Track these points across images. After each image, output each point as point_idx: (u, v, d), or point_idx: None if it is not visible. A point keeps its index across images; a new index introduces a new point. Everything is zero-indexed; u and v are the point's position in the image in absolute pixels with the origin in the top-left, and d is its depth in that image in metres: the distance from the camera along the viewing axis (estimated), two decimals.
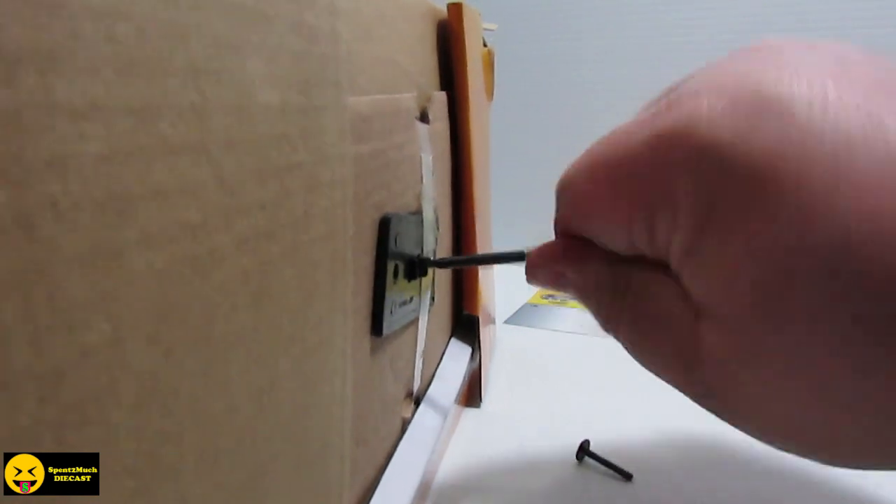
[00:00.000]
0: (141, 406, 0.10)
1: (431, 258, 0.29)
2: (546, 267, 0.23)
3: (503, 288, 0.52)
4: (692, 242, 0.17)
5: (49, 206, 0.08)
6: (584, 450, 0.32)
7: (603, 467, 0.32)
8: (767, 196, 0.15)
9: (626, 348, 0.21)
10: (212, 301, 0.12)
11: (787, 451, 0.18)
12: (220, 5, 0.12)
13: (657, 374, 0.20)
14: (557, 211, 0.22)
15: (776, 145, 0.15)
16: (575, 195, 0.21)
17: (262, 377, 0.14)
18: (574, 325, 0.52)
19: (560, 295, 0.61)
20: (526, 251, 0.25)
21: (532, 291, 0.62)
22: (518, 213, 0.72)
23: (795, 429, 0.17)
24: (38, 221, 0.08)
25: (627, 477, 0.31)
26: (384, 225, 0.23)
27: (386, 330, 0.24)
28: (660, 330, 0.19)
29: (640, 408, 0.38)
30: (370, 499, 0.23)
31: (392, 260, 0.24)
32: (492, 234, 0.48)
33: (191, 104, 0.11)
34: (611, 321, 0.21)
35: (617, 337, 0.21)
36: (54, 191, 0.08)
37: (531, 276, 0.24)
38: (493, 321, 0.49)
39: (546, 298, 0.60)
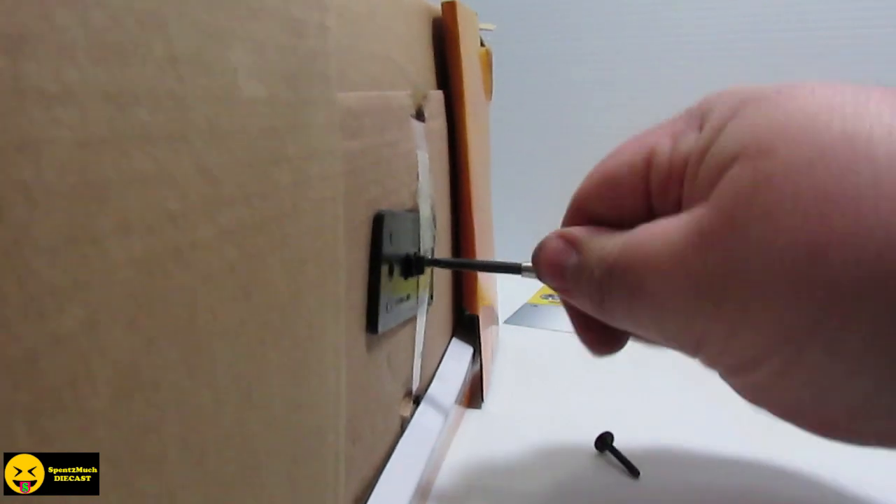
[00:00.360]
0: (120, 395, 0.10)
1: (428, 257, 0.29)
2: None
3: (503, 288, 0.52)
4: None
5: (20, 192, 0.08)
6: (605, 442, 0.32)
7: (607, 467, 0.31)
8: None
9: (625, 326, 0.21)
10: (195, 291, 0.12)
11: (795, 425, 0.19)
12: None
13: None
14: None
15: None
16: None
17: (250, 370, 0.14)
18: None
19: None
20: (523, 264, 0.25)
21: (532, 291, 0.62)
22: (519, 212, 0.72)
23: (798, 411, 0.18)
24: (9, 206, 0.08)
25: (635, 474, 0.31)
26: (378, 221, 0.23)
27: (381, 327, 0.23)
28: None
29: (642, 407, 0.38)
30: (368, 496, 0.23)
31: (387, 257, 0.24)
32: (493, 233, 0.48)
33: (170, 92, 0.11)
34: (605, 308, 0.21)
35: (612, 319, 0.21)
36: (26, 176, 0.08)
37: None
38: (496, 321, 0.49)
39: (546, 298, 0.60)
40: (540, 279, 0.24)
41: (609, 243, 0.21)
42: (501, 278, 0.50)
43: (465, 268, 0.38)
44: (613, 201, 0.23)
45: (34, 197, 0.09)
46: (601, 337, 0.24)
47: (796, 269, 0.16)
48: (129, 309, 0.10)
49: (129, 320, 0.10)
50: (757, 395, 0.19)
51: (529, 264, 0.25)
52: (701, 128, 0.20)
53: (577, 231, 0.22)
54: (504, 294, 0.53)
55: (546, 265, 0.23)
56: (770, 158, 0.17)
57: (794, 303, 0.16)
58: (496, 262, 0.27)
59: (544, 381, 0.42)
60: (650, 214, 0.22)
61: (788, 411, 0.19)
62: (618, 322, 0.21)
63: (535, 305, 0.58)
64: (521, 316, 0.55)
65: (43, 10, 0.09)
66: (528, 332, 0.51)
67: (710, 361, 0.19)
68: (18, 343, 0.08)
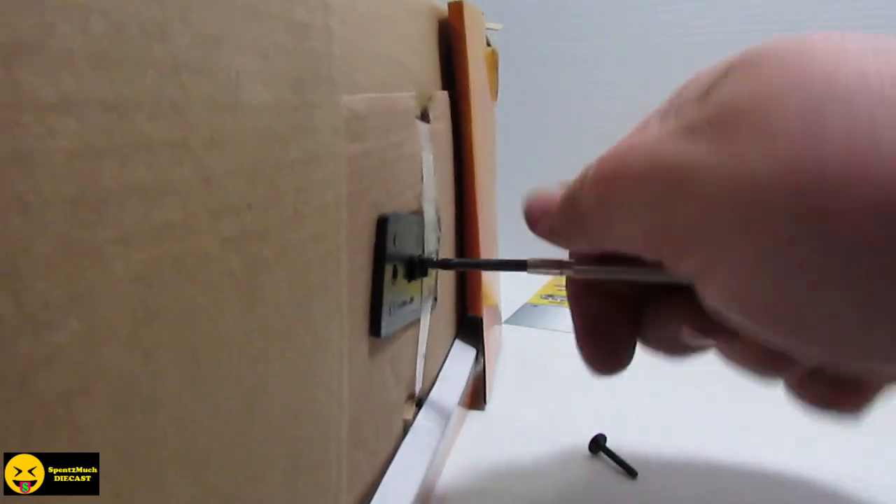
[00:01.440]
0: (118, 409, 0.10)
1: (433, 259, 0.29)
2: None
3: (503, 288, 0.52)
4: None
5: (16, 204, 0.08)
6: (598, 443, 0.32)
7: (607, 468, 0.31)
8: None
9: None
10: (196, 302, 0.12)
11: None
12: (206, 1, 0.12)
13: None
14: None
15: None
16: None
17: (252, 380, 0.14)
18: None
19: (560, 295, 0.61)
20: (528, 261, 0.24)
21: (532, 291, 0.61)
22: (519, 213, 0.72)
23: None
24: (3, 219, 0.08)
25: (633, 474, 0.31)
26: (382, 224, 0.23)
27: (385, 331, 0.23)
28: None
29: (643, 408, 0.38)
30: (370, 501, 0.23)
31: (390, 260, 0.24)
32: (498, 234, 0.47)
33: (171, 100, 0.11)
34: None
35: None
36: (21, 188, 0.08)
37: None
38: (499, 321, 0.48)
39: (546, 298, 0.60)
40: (526, 219, 0.23)
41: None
42: (503, 279, 0.50)
43: (470, 268, 0.38)
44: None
45: (30, 209, 0.08)
46: (603, 353, 0.23)
47: (789, 157, 0.15)
48: (128, 322, 0.10)
49: (128, 333, 0.10)
50: (730, 299, 0.17)
51: (535, 259, 0.24)
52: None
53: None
54: (504, 294, 0.53)
55: (536, 204, 0.23)
56: (760, 75, 0.17)
57: (782, 186, 0.15)
58: (501, 260, 0.27)
59: (546, 381, 0.42)
60: None
61: (767, 315, 0.17)
62: (589, 234, 0.21)
63: (535, 305, 0.58)
64: (521, 316, 0.55)
65: (40, 18, 0.08)
66: (529, 332, 0.51)
67: (675, 259, 0.18)
68: (13, 358, 0.08)
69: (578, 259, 0.24)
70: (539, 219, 0.23)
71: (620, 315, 0.24)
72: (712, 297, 0.18)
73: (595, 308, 0.24)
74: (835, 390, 0.20)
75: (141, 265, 0.10)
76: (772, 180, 0.15)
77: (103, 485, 0.10)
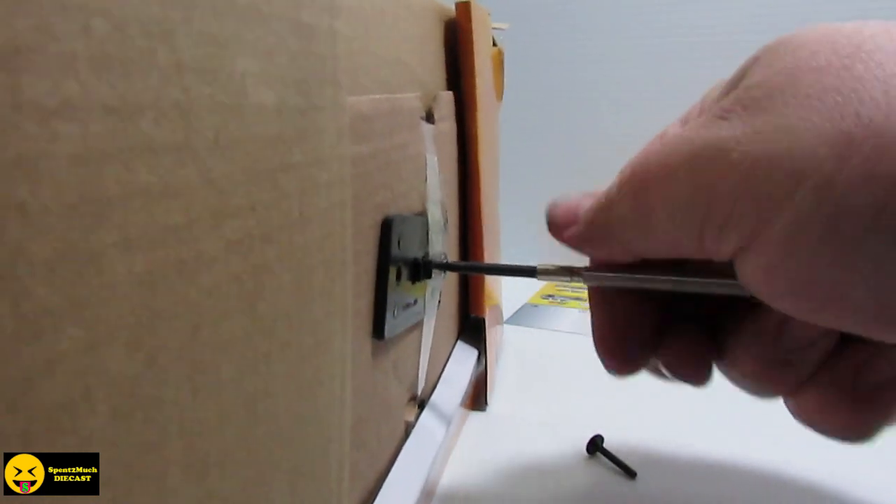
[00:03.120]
0: (120, 414, 0.10)
1: (437, 260, 0.29)
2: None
3: (503, 288, 0.51)
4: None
5: (16, 210, 0.08)
6: (595, 444, 0.32)
7: (607, 468, 0.31)
8: None
9: None
10: (199, 306, 0.12)
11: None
12: (210, 2, 0.12)
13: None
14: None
15: None
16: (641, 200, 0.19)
17: (255, 383, 0.14)
18: (574, 325, 0.52)
19: (560, 295, 0.61)
20: (538, 267, 0.24)
21: (532, 291, 0.61)
22: (528, 214, 0.72)
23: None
24: (2, 225, 0.08)
25: (632, 475, 0.30)
26: (386, 226, 0.23)
27: (388, 333, 0.23)
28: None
29: (643, 408, 0.38)
30: (372, 503, 0.23)
31: (395, 262, 0.23)
32: (500, 236, 0.47)
33: (175, 103, 0.11)
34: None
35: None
36: (22, 193, 0.08)
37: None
38: (500, 322, 0.48)
39: (546, 298, 0.60)
40: (550, 228, 0.23)
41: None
42: (504, 279, 0.50)
43: (478, 271, 0.38)
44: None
45: (30, 214, 0.08)
46: (620, 349, 0.23)
47: (827, 113, 0.15)
48: (130, 326, 0.10)
49: (130, 338, 0.10)
50: (781, 277, 0.17)
51: (544, 266, 0.24)
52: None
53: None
54: (504, 294, 0.53)
55: (561, 213, 0.23)
56: (787, 42, 0.17)
57: (825, 141, 0.15)
58: (511, 265, 0.26)
59: (546, 382, 0.42)
60: None
61: (818, 294, 0.17)
62: (625, 228, 0.20)
63: (536, 305, 0.58)
64: (522, 316, 0.55)
65: (41, 21, 0.08)
66: (529, 332, 0.51)
67: (716, 239, 0.18)
68: (13, 365, 0.08)
69: (589, 266, 0.23)
70: (565, 226, 0.22)
71: (643, 319, 0.23)
72: (754, 274, 0.18)
73: (617, 314, 0.23)
74: (836, 398, 0.20)
75: (143, 269, 0.10)
76: (814, 137, 0.15)
77: (105, 489, 0.10)
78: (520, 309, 0.56)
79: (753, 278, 0.18)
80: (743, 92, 0.17)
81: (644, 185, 0.19)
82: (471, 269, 0.37)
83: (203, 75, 0.12)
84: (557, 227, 0.23)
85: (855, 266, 0.16)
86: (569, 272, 0.24)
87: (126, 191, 0.10)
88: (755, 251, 0.17)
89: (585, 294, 0.59)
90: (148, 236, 0.10)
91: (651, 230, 0.19)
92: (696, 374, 0.23)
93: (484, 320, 0.38)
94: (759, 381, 0.21)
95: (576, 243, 0.22)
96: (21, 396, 0.08)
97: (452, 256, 0.34)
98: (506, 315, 0.55)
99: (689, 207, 0.18)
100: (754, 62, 0.18)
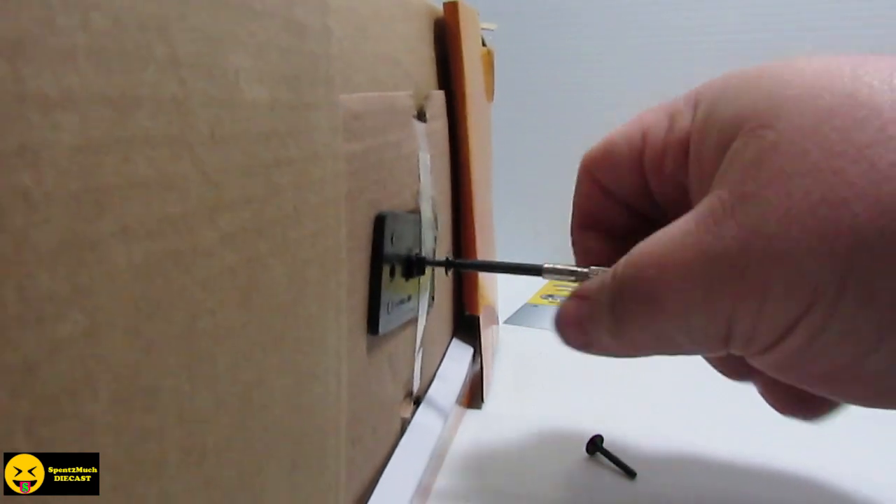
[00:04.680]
0: (120, 400, 0.10)
1: (430, 258, 0.29)
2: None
3: (503, 288, 0.52)
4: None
5: (20, 198, 0.08)
6: (595, 444, 0.32)
7: (606, 468, 0.31)
8: None
9: None
10: (195, 296, 0.12)
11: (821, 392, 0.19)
12: None
13: None
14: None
15: None
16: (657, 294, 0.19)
17: (250, 374, 0.14)
18: None
19: (560, 295, 0.61)
20: (544, 266, 0.25)
21: (532, 291, 0.62)
22: (521, 213, 0.72)
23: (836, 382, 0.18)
24: (8, 212, 0.08)
25: (631, 475, 0.31)
26: (379, 223, 0.23)
27: (382, 329, 0.23)
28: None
29: (642, 408, 0.38)
30: (368, 498, 0.23)
31: (388, 259, 0.24)
32: (495, 234, 0.48)
33: (171, 96, 0.11)
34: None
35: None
36: (26, 182, 0.08)
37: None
38: (496, 321, 0.49)
39: (546, 299, 0.60)
40: (568, 345, 0.23)
41: (609, 271, 0.20)
42: (501, 279, 0.50)
43: (484, 269, 0.38)
44: (612, 172, 0.24)
45: (34, 203, 0.08)
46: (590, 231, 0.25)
47: (817, 225, 0.16)
48: (130, 314, 0.10)
49: (129, 326, 0.10)
50: (795, 369, 0.18)
51: (550, 265, 0.25)
52: (696, 107, 0.21)
53: (585, 285, 0.22)
54: (504, 294, 0.53)
55: (566, 325, 0.22)
56: (772, 128, 0.17)
57: (819, 259, 0.16)
58: (517, 263, 0.26)
59: (544, 381, 0.42)
60: (645, 191, 0.23)
61: (829, 379, 0.18)
62: (641, 345, 0.20)
63: (535, 305, 0.58)
64: (522, 316, 0.55)
65: (43, 14, 0.09)
66: (529, 332, 0.51)
67: (743, 347, 0.18)
68: (17, 350, 0.08)
69: (595, 268, 0.24)
70: (576, 345, 0.23)
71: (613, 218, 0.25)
72: (769, 367, 0.19)
73: (595, 206, 0.26)
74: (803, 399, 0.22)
75: (141, 259, 0.11)
76: (812, 259, 0.16)
77: (105, 476, 0.10)
78: (520, 309, 0.57)
79: (769, 368, 0.19)
80: (736, 200, 0.17)
81: (653, 288, 0.19)
82: (477, 268, 0.37)
83: (198, 70, 0.12)
84: (570, 340, 0.23)
85: (859, 371, 0.17)
86: (573, 273, 0.24)
87: (124, 181, 0.10)
88: (772, 354, 0.18)
89: None
90: (145, 227, 0.11)
91: (666, 345, 0.20)
92: (798, 410, 0.23)
93: (478, 318, 0.38)
94: (712, 364, 0.23)
95: (583, 348, 0.23)
96: (25, 381, 0.08)
97: (443, 254, 0.35)
98: (506, 315, 0.55)
99: (709, 328, 0.18)
100: (739, 138, 0.18)
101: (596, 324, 0.21)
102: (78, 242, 0.09)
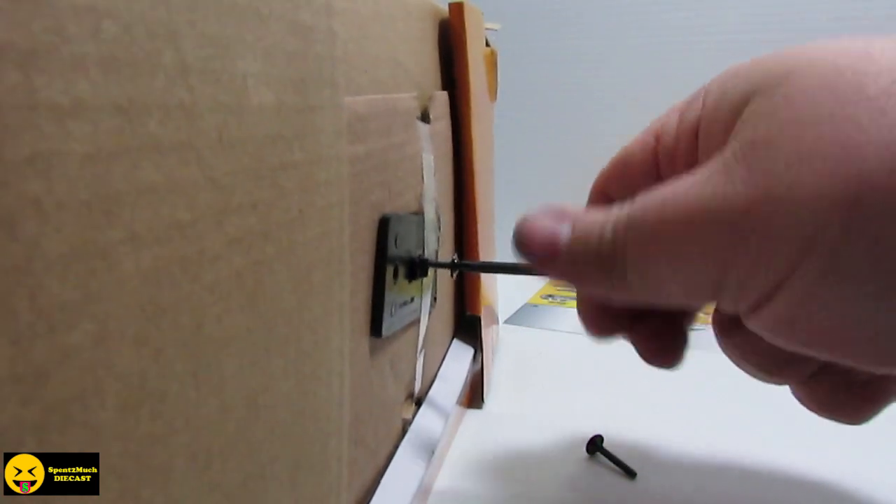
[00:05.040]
0: (128, 407, 0.10)
1: (432, 259, 0.29)
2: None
3: (503, 288, 0.52)
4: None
5: (32, 206, 0.08)
6: (595, 444, 0.32)
7: (606, 467, 0.31)
8: None
9: None
10: (202, 302, 0.12)
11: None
12: (212, 4, 0.12)
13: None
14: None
15: None
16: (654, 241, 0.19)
17: (255, 379, 0.14)
18: (574, 325, 0.52)
19: (560, 295, 0.61)
20: None
21: (532, 291, 0.62)
22: (522, 212, 0.72)
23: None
24: (20, 221, 0.08)
25: (631, 475, 0.31)
26: (383, 225, 0.23)
27: (385, 331, 0.23)
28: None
29: (641, 408, 0.38)
30: (370, 500, 0.23)
31: (392, 260, 0.24)
32: (495, 235, 0.48)
33: (180, 103, 0.11)
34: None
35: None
36: (37, 190, 0.08)
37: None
38: (496, 321, 0.49)
39: (546, 298, 0.60)
40: (525, 258, 0.21)
41: (614, 209, 0.20)
42: (501, 279, 0.50)
43: (490, 270, 0.38)
44: (627, 180, 0.23)
45: (45, 211, 0.08)
46: (598, 320, 0.24)
47: (827, 168, 0.15)
48: (138, 321, 0.10)
49: (138, 332, 0.10)
50: (793, 328, 0.17)
51: None
52: (706, 96, 0.20)
53: (563, 204, 0.21)
54: (504, 294, 0.53)
55: (537, 241, 0.21)
56: (786, 85, 0.17)
57: (825, 201, 0.15)
58: (523, 264, 0.26)
59: (545, 381, 0.42)
60: None
61: (830, 339, 0.17)
62: (629, 289, 0.20)
63: (535, 305, 0.58)
64: (521, 316, 0.55)
65: (55, 23, 0.09)
66: (528, 332, 0.51)
67: (731, 301, 0.18)
68: (29, 357, 0.08)
69: None
70: (539, 252, 0.21)
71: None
72: (766, 327, 0.18)
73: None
74: (844, 392, 0.21)
75: (150, 265, 0.11)
76: (818, 200, 0.15)
77: (113, 481, 0.10)
78: (520, 309, 0.57)
79: (765, 327, 0.18)
80: (747, 148, 0.17)
81: (650, 248, 0.19)
82: (483, 269, 0.37)
83: (206, 76, 0.12)
84: (530, 250, 0.21)
85: (861, 326, 0.16)
86: None
87: (134, 188, 0.10)
88: (768, 309, 0.17)
89: None
90: (154, 233, 0.11)
91: (655, 292, 0.19)
92: (658, 359, 0.24)
93: (479, 318, 0.38)
94: (767, 373, 0.22)
95: (558, 275, 0.21)
96: (36, 388, 0.08)
97: (445, 255, 0.35)
98: (506, 315, 0.55)
99: (702, 273, 0.18)
100: (751, 99, 0.18)
101: (582, 257, 0.20)
102: (88, 250, 0.09)
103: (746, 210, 0.16)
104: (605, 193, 0.24)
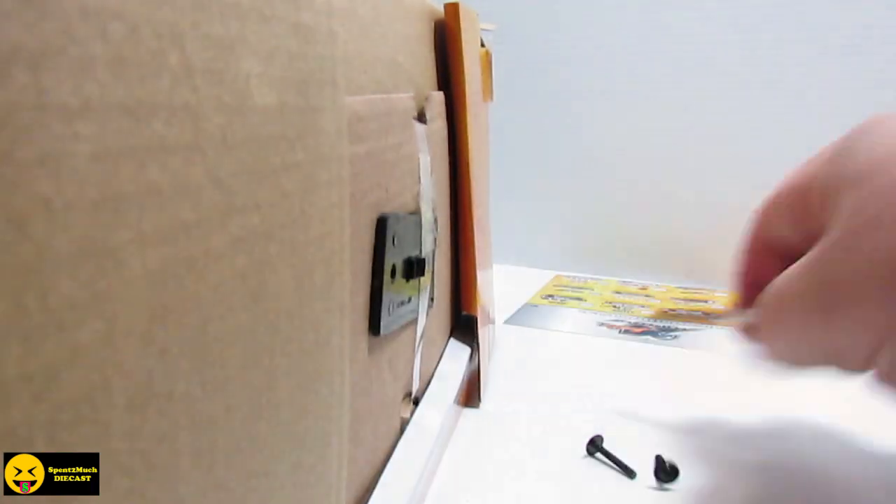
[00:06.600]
0: (135, 406, 0.10)
1: (430, 259, 0.29)
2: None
3: (503, 288, 0.52)
4: None
5: (42, 206, 0.08)
6: (595, 444, 0.32)
7: (606, 468, 0.32)
8: None
9: None
10: (207, 301, 0.12)
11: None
12: (216, 5, 0.12)
13: None
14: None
15: None
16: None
17: (259, 377, 0.14)
18: (574, 325, 0.52)
19: (560, 295, 0.61)
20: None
21: (532, 291, 0.62)
22: (517, 212, 0.72)
23: None
24: (30, 221, 0.08)
25: (631, 475, 0.31)
26: (381, 225, 0.23)
27: (384, 330, 0.24)
28: None
29: (640, 408, 0.38)
30: (368, 499, 0.23)
31: (390, 260, 0.24)
32: (491, 235, 0.48)
33: (185, 103, 0.11)
34: None
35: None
36: (47, 190, 0.08)
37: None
38: (492, 321, 0.49)
39: (546, 298, 0.60)
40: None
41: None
42: (501, 279, 0.50)
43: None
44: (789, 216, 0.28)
45: (55, 211, 0.09)
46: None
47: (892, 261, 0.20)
48: (145, 320, 0.10)
49: (145, 331, 0.10)
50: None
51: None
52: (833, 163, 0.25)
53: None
54: (504, 294, 0.53)
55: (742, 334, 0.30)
56: (871, 181, 0.21)
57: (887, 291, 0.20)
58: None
59: (543, 380, 0.42)
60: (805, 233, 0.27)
61: None
62: (780, 354, 0.27)
63: (535, 305, 0.58)
64: (521, 316, 0.55)
65: (64, 25, 0.09)
66: (528, 332, 0.51)
67: (851, 368, 0.24)
68: (39, 356, 0.08)
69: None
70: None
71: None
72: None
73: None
74: None
75: (156, 265, 0.11)
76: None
77: (120, 479, 0.10)
78: (520, 309, 0.57)
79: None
80: (839, 236, 0.22)
81: (776, 314, 0.25)
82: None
83: (210, 77, 0.12)
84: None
85: None
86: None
87: (140, 189, 0.10)
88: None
89: (585, 294, 0.60)
90: (160, 233, 0.11)
91: (787, 348, 0.26)
92: None
93: (475, 318, 0.38)
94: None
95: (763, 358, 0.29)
96: (47, 387, 0.09)
97: (443, 255, 0.35)
98: (506, 315, 0.55)
99: (821, 339, 0.23)
100: (848, 187, 0.22)
101: (753, 337, 0.28)
102: (97, 250, 0.09)
103: (837, 290, 0.22)
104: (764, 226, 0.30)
